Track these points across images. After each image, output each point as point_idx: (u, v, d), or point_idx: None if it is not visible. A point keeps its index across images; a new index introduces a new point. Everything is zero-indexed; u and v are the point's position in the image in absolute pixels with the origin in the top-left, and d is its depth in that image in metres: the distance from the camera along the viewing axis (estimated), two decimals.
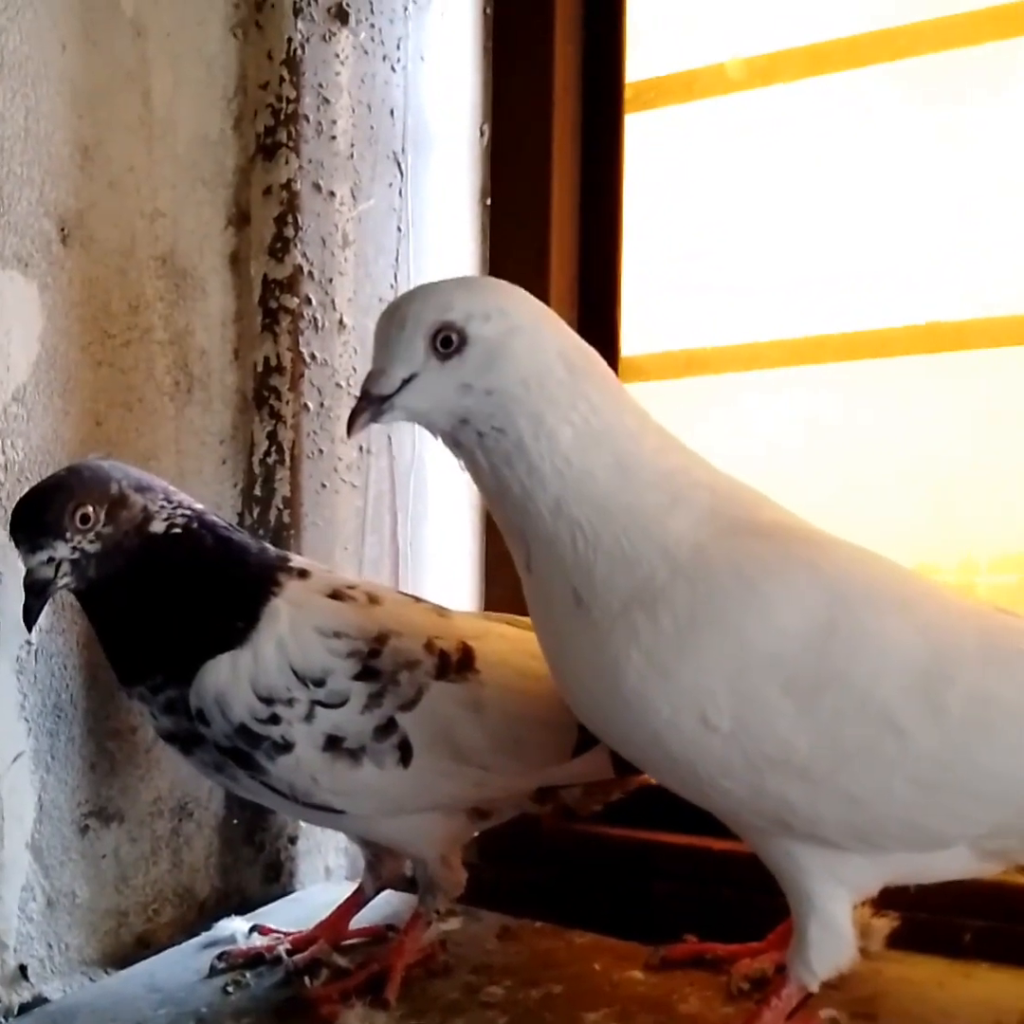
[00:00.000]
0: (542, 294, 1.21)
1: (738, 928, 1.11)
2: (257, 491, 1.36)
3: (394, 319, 0.90)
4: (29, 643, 1.11)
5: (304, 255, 1.35)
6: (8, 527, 1.02)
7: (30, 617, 1.00)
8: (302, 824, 1.36)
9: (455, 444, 0.91)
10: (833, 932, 0.91)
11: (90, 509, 1.01)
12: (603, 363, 0.93)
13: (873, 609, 0.88)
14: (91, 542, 1.01)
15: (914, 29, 1.28)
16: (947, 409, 1.33)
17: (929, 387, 1.33)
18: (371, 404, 0.90)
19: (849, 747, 0.85)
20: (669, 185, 1.45)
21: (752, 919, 1.07)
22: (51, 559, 1.00)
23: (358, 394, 0.91)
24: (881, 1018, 0.97)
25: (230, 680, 1.01)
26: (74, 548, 1.00)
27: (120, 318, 1.23)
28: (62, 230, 1.16)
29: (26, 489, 1.05)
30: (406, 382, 0.89)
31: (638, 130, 1.45)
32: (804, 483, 1.39)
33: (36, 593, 1.00)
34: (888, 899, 1.05)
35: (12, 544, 1.05)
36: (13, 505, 1.06)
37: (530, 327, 0.90)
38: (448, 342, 0.87)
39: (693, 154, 1.44)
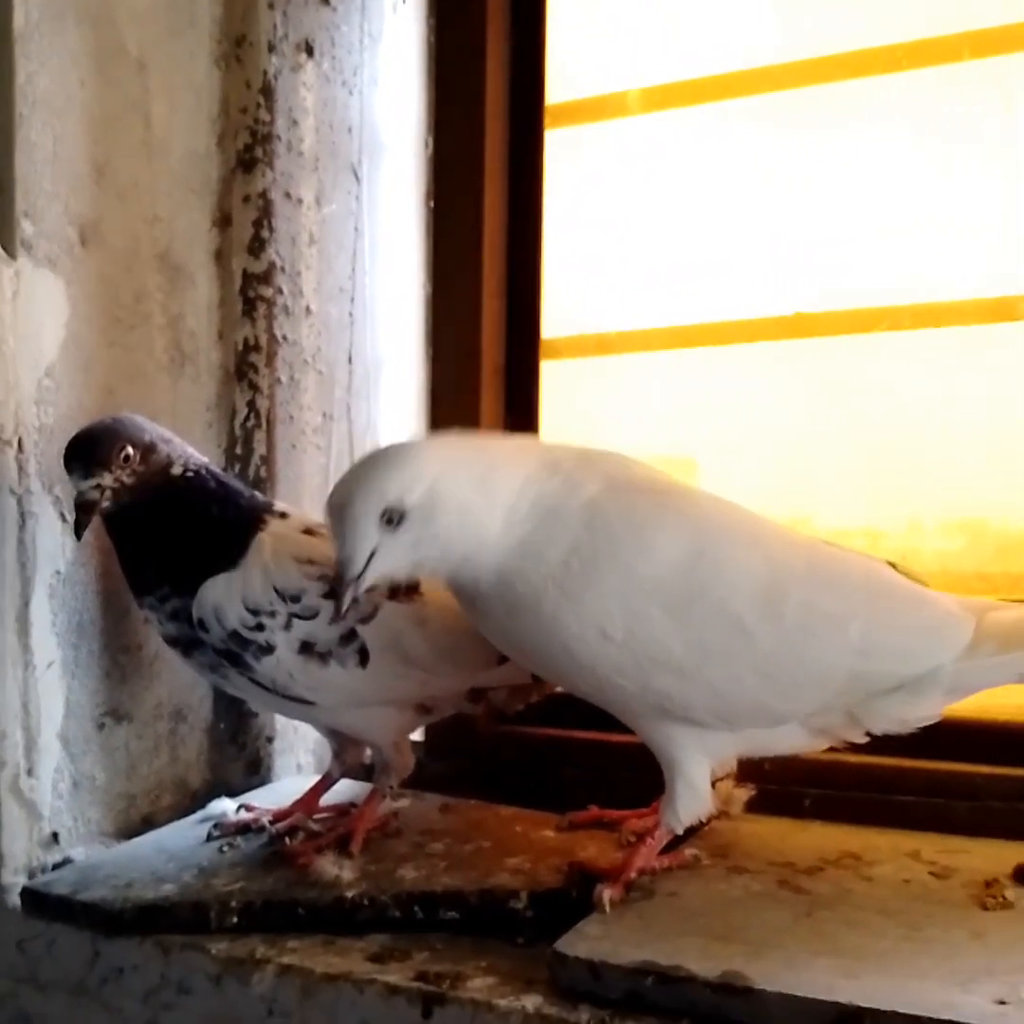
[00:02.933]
0: (475, 284, 1.42)
1: (630, 802, 1.29)
2: (238, 450, 1.49)
3: (346, 516, 1.04)
4: (59, 572, 1.28)
5: (277, 252, 1.47)
6: (63, 458, 1.18)
7: (79, 529, 1.18)
8: (278, 726, 1.53)
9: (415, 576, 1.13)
10: (694, 790, 1.12)
11: (130, 450, 1.18)
12: (517, 453, 1.09)
13: (728, 542, 1.08)
14: (128, 476, 1.19)
15: (782, 68, 1.45)
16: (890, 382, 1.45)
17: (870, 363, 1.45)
18: (350, 585, 1.05)
19: (711, 647, 1.05)
20: (583, 191, 1.58)
21: (640, 795, 1.24)
22: (98, 486, 1.17)
23: (338, 579, 1.05)
24: (732, 857, 1.18)
25: (225, 595, 1.19)
26: (116, 479, 1.18)
27: (127, 307, 1.36)
28: (82, 235, 1.30)
29: (57, 447, 1.22)
30: (370, 559, 1.04)
31: (557, 144, 1.56)
32: (746, 452, 1.53)
33: (85, 511, 1.17)
34: (747, 773, 1.27)
35: (45, 488, 1.25)
36: (48, 459, 1.25)
37: (444, 477, 1.04)
38: (392, 520, 1.03)
39: (604, 165, 1.57)
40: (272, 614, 1.21)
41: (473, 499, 1.05)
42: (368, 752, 1.37)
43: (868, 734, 1.14)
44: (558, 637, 1.06)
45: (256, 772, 1.54)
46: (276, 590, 1.21)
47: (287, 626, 1.21)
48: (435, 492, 1.04)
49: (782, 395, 1.51)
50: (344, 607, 1.06)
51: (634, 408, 1.57)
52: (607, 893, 1.09)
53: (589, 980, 0.98)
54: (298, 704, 1.26)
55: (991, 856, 1.18)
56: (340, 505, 1.05)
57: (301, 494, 1.53)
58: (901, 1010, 0.88)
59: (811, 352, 1.48)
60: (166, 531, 1.22)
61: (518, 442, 1.16)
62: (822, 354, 1.48)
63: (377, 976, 1.06)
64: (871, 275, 1.44)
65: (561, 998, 0.99)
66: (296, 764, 1.58)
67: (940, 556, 1.44)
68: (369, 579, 1.05)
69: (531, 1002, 1.00)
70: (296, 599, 1.21)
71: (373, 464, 1.07)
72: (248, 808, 1.38)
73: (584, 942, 1.02)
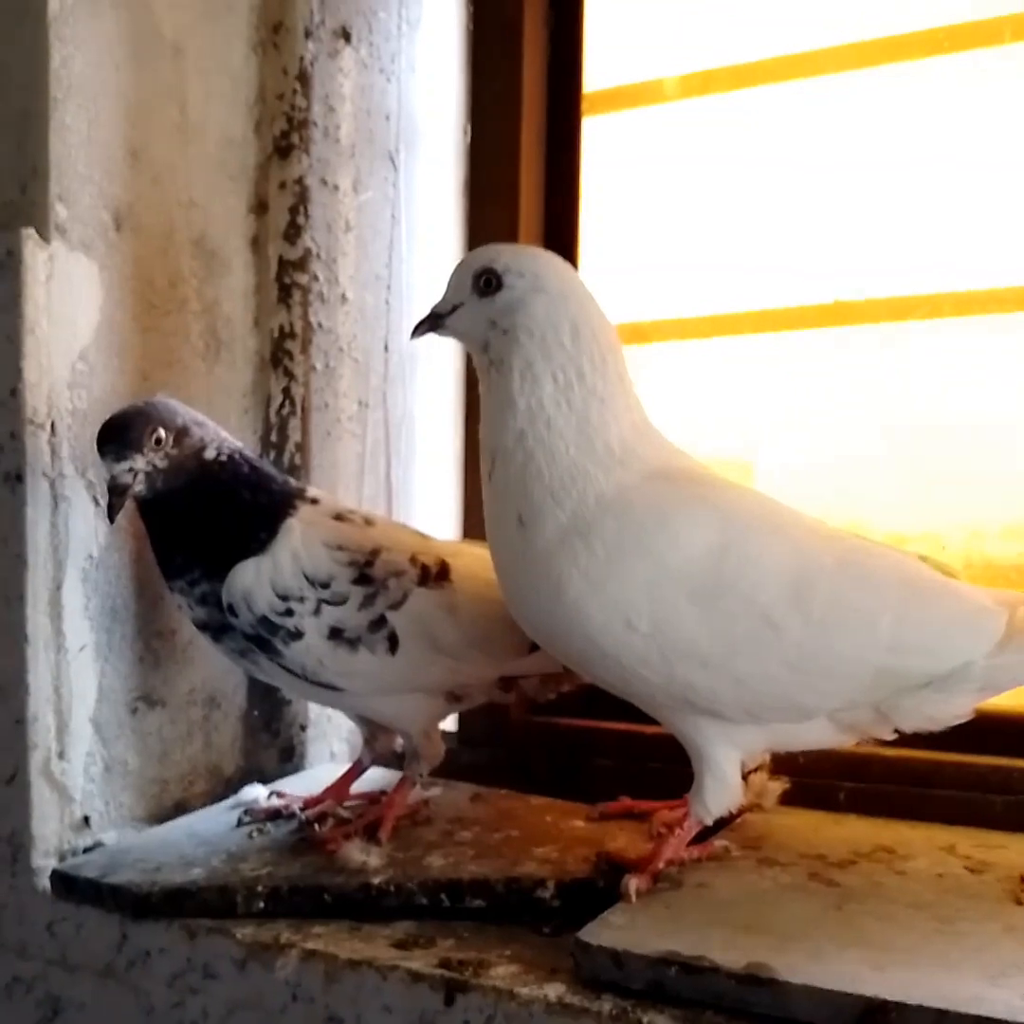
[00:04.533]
0: None
1: (660, 793, 1.28)
2: (273, 438, 1.50)
3: (460, 262, 1.10)
4: (91, 556, 1.28)
5: (313, 239, 1.47)
6: (96, 441, 1.18)
7: (112, 512, 1.18)
8: (311, 714, 1.53)
9: (479, 365, 1.10)
10: (723, 782, 1.10)
11: (163, 433, 1.18)
12: (615, 350, 1.08)
13: (756, 534, 1.07)
14: (161, 460, 1.18)
15: (821, 53, 1.43)
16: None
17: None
18: (431, 319, 1.11)
19: (738, 640, 1.03)
20: (621, 179, 1.56)
21: (671, 785, 1.22)
22: (131, 469, 1.17)
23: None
24: (763, 849, 1.17)
25: (255, 580, 1.19)
26: (148, 462, 1.18)
27: (162, 292, 1.36)
28: (116, 219, 1.30)
29: (91, 431, 1.22)
30: (456, 307, 1.09)
31: (594, 131, 1.56)
32: (792, 450, 1.50)
33: (118, 494, 1.17)
34: (781, 766, 1.26)
35: (78, 472, 1.26)
36: (81, 443, 1.25)
37: (554, 294, 1.06)
38: (488, 283, 1.07)
39: (642, 153, 1.55)
40: (301, 599, 1.20)
41: (554, 351, 1.06)
42: (399, 740, 1.37)
43: (897, 731, 1.12)
44: (582, 627, 1.05)
45: (289, 759, 1.54)
46: (305, 575, 1.21)
47: (316, 612, 1.20)
48: (536, 294, 1.06)
49: (827, 388, 1.50)
50: (418, 334, 1.13)
51: (670, 398, 1.55)
52: (634, 883, 1.07)
53: (612, 969, 0.97)
54: (327, 691, 1.26)
55: None
56: (463, 257, 1.14)
57: (336, 481, 1.53)
58: (929, 1004, 0.86)
59: (856, 341, 1.46)
60: (197, 515, 1.22)
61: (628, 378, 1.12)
62: (867, 343, 1.46)
63: (401, 962, 1.06)
64: (911, 261, 1.42)
65: (584, 987, 0.98)
66: (329, 752, 1.58)
67: (1003, 562, 1.40)
68: (446, 326, 1.10)
69: (553, 991, 0.99)
70: (325, 585, 1.21)
71: (520, 245, 1.19)
72: (279, 795, 1.39)
73: (608, 931, 1.00)
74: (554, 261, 1.11)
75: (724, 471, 1.24)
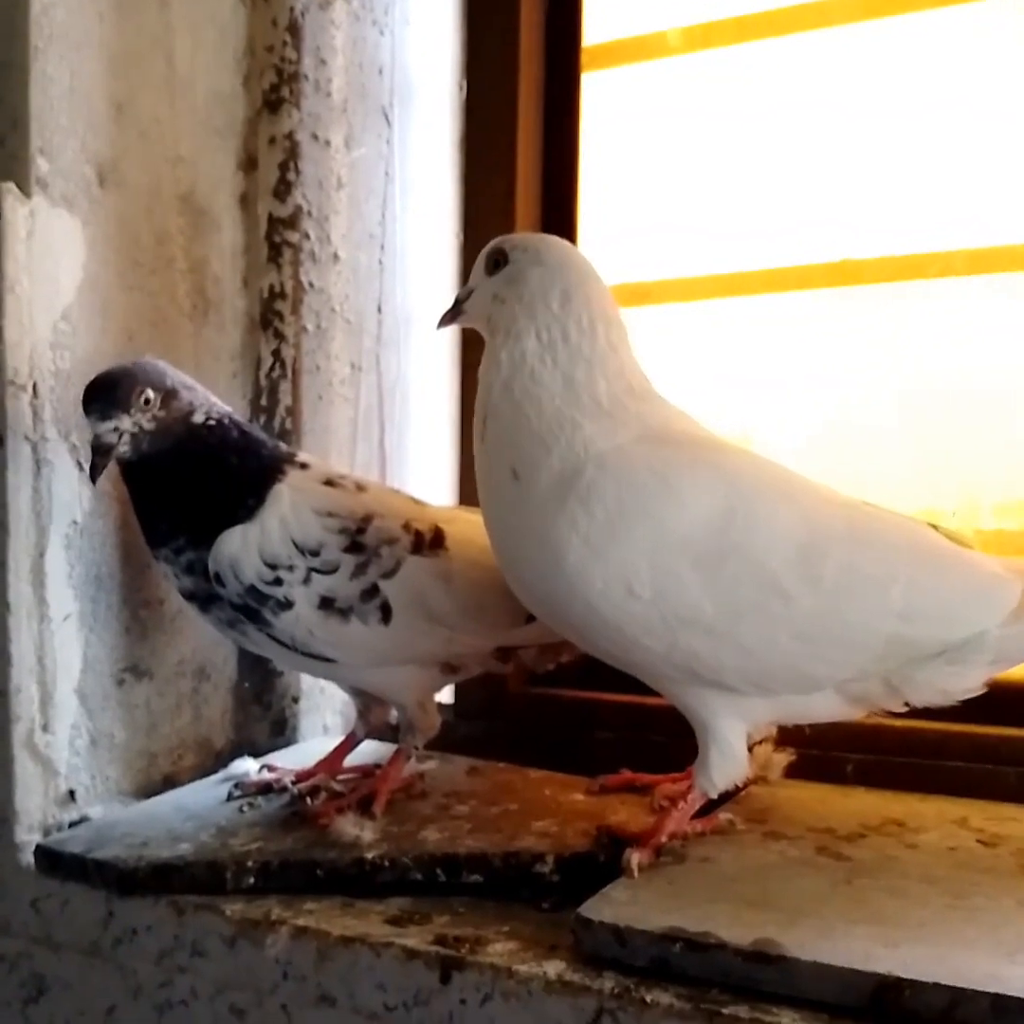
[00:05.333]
0: (509, 231, 1.37)
1: (663, 766, 1.25)
2: (263, 401, 1.46)
3: (481, 253, 1.12)
4: (75, 522, 1.25)
5: (304, 196, 1.44)
6: (81, 400, 1.15)
7: (95, 473, 1.14)
8: (304, 686, 1.50)
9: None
10: (729, 755, 1.08)
11: (150, 394, 1.15)
12: (610, 321, 1.07)
13: (762, 498, 1.04)
14: (148, 421, 1.15)
15: (827, 4, 1.39)
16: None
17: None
18: (453, 307, 1.15)
19: (744, 608, 1.01)
20: (621, 136, 1.53)
21: (674, 758, 1.20)
22: (117, 429, 1.14)
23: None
24: (769, 822, 1.13)
25: (241, 548, 1.16)
26: (135, 423, 1.15)
27: (148, 250, 1.33)
28: (100, 174, 1.26)
29: (74, 393, 1.19)
30: (471, 292, 1.12)
31: (594, 86, 1.52)
32: (792, 419, 1.47)
33: (102, 454, 1.14)
34: (787, 738, 1.23)
35: (61, 435, 1.22)
36: (64, 406, 1.22)
37: (551, 265, 1.07)
38: (496, 263, 1.10)
39: (643, 108, 1.51)
40: (290, 568, 1.17)
41: (541, 313, 1.07)
42: (393, 712, 1.34)
43: (907, 704, 1.09)
44: (582, 593, 1.02)
45: (282, 733, 1.51)
46: (294, 543, 1.18)
47: (306, 581, 1.17)
48: (535, 266, 1.08)
49: (833, 351, 1.46)
50: (441, 324, 1.18)
51: (672, 360, 1.51)
52: (635, 857, 1.04)
53: (614, 946, 0.94)
54: (319, 662, 1.23)
55: None
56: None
57: (329, 447, 1.50)
58: (943, 982, 0.83)
59: (859, 302, 1.43)
60: (183, 481, 1.19)
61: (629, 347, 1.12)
62: (875, 304, 1.42)
63: (395, 939, 1.02)
64: (921, 218, 1.38)
65: (584, 964, 0.95)
66: (322, 725, 1.55)
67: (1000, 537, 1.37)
68: (464, 311, 1.14)
69: (553, 968, 0.95)
70: (315, 553, 1.18)
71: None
72: (270, 768, 1.36)
73: (610, 907, 0.97)
74: (561, 242, 1.12)
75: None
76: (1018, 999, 0.81)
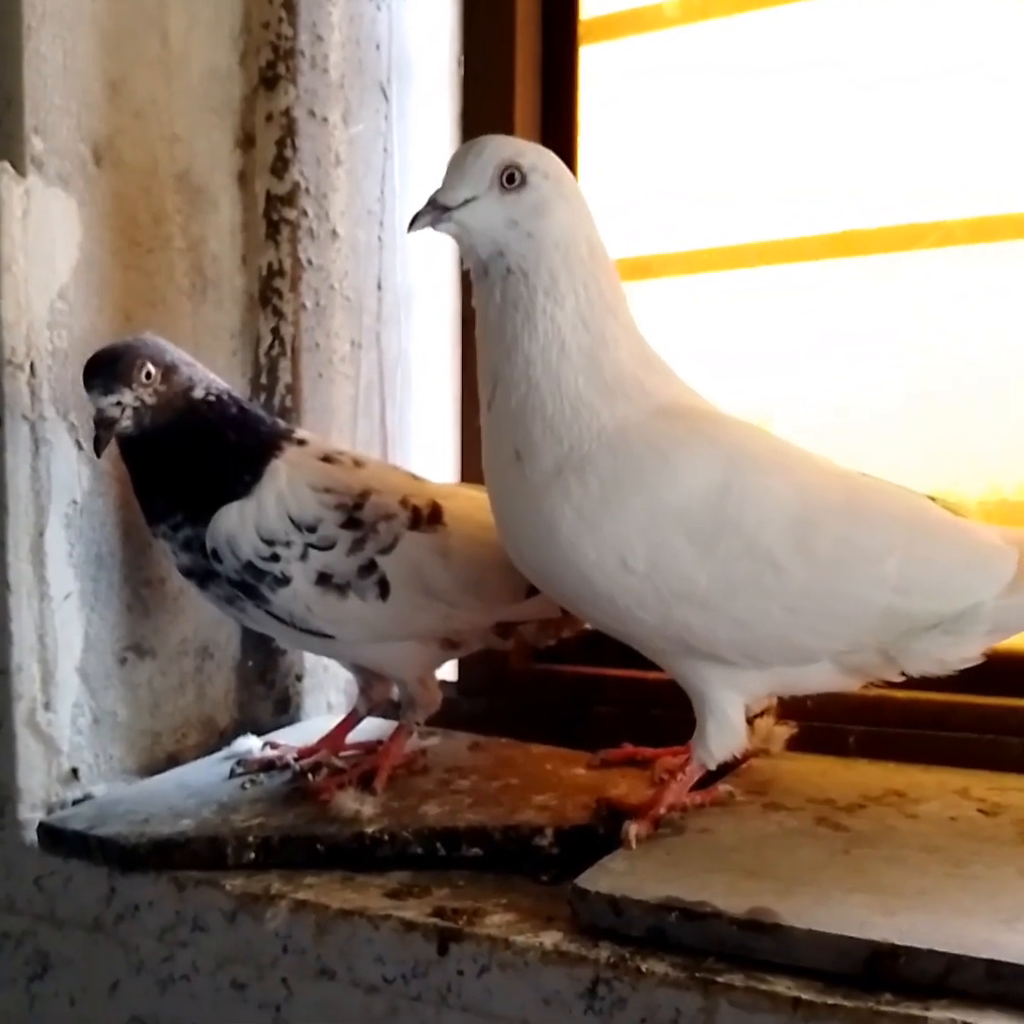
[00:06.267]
0: None
1: (664, 740, 1.25)
2: (263, 379, 1.46)
3: (473, 149, 0.99)
4: (75, 502, 1.25)
5: (301, 173, 1.43)
6: (83, 375, 1.15)
7: (99, 446, 1.14)
8: (307, 664, 1.50)
9: (484, 273, 1.01)
10: (726, 726, 1.07)
11: (151, 369, 1.15)
12: (614, 268, 1.04)
13: (758, 471, 1.02)
14: (150, 395, 1.15)
15: None
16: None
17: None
18: (434, 210, 0.99)
19: (738, 581, 1.00)
20: (620, 109, 1.51)
21: (675, 732, 1.18)
22: (119, 403, 1.14)
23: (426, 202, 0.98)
24: (769, 794, 1.13)
25: (238, 524, 1.16)
26: (136, 397, 1.14)
27: (145, 228, 1.32)
28: (95, 153, 1.26)
29: (72, 372, 1.20)
30: (467, 201, 0.98)
31: (592, 60, 1.50)
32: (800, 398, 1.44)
33: (105, 428, 1.14)
34: (788, 710, 1.23)
35: (60, 415, 1.22)
36: (62, 385, 1.22)
37: (573, 203, 1.01)
38: (512, 179, 0.98)
39: (642, 81, 1.49)
40: (287, 544, 1.17)
41: (576, 265, 1.00)
42: (394, 689, 1.34)
43: (904, 675, 1.08)
44: (576, 565, 1.01)
45: (285, 711, 1.52)
46: (291, 519, 1.18)
47: (303, 557, 1.17)
48: (561, 199, 0.99)
49: (836, 324, 1.44)
50: (417, 227, 1.00)
51: (674, 336, 1.50)
52: (634, 828, 1.04)
53: (610, 916, 0.94)
54: (318, 638, 1.22)
55: None
56: (474, 141, 1.01)
57: (329, 425, 1.49)
58: (939, 948, 0.82)
59: (866, 274, 1.41)
60: (181, 456, 1.19)
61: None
62: (878, 275, 1.40)
63: (393, 912, 1.02)
64: (922, 188, 1.36)
65: (581, 935, 0.95)
66: (326, 703, 1.55)
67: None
68: (454, 221, 0.99)
69: (550, 939, 0.95)
70: (312, 529, 1.18)
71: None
72: (273, 745, 1.36)
73: (607, 877, 0.97)
74: (566, 169, 1.04)
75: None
76: (1013, 965, 0.80)
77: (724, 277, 1.49)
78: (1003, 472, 1.35)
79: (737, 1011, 0.86)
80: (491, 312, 1.02)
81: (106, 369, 1.15)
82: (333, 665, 1.52)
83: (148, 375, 1.16)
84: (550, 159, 1.02)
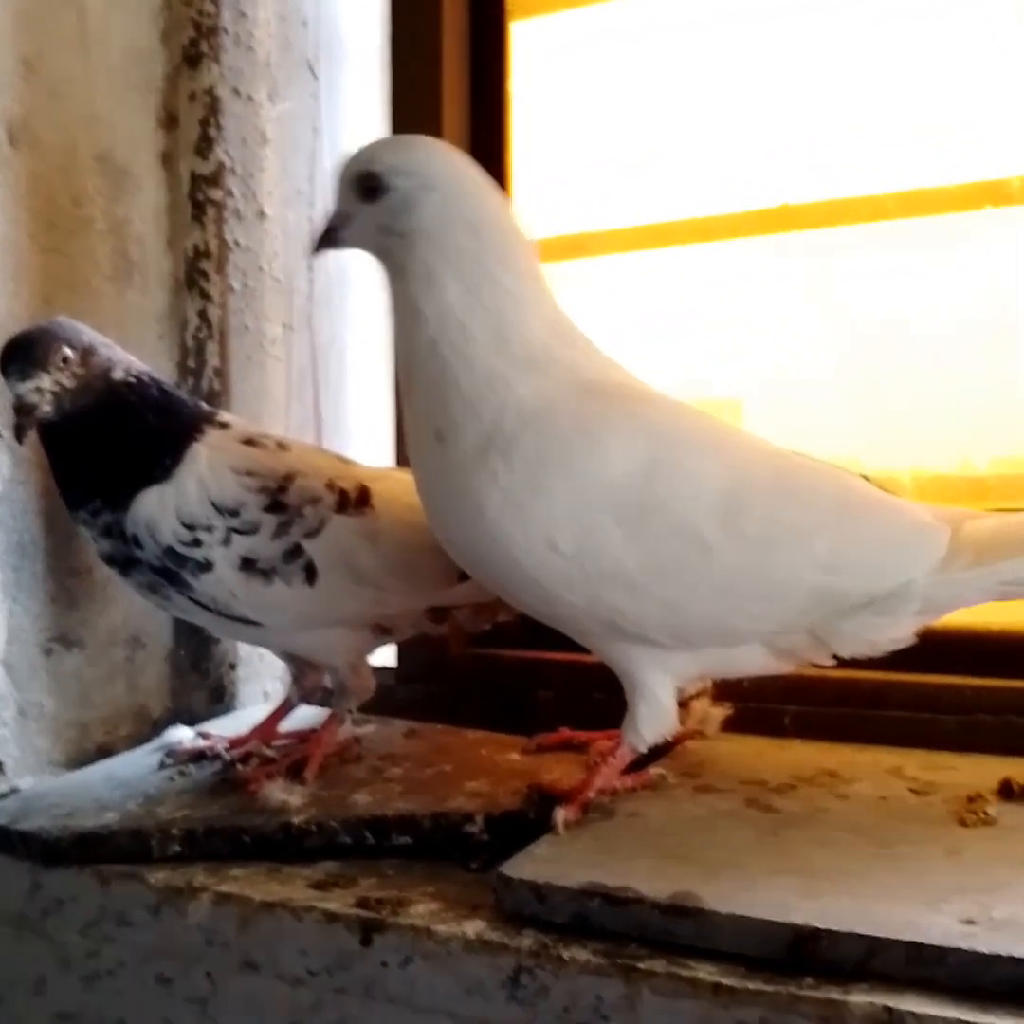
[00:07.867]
0: None
1: (604, 724, 1.21)
2: (191, 363, 1.43)
3: (340, 167, 1.03)
4: None
5: (227, 153, 1.42)
6: None
7: (20, 434, 1.13)
8: (241, 653, 1.48)
9: (385, 273, 1.04)
10: (657, 708, 1.06)
11: (69, 352, 1.13)
12: (523, 245, 1.03)
13: (686, 451, 1.01)
14: (68, 379, 1.13)
15: None
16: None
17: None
18: (327, 234, 1.05)
19: (666, 562, 0.99)
20: (552, 85, 1.50)
21: (616, 716, 1.13)
22: (38, 388, 1.12)
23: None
24: (702, 776, 1.12)
25: (158, 509, 1.14)
26: (55, 382, 1.12)
27: (65, 210, 1.30)
28: (10, 134, 1.24)
29: None
30: (348, 219, 1.03)
31: (523, 36, 1.49)
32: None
33: (25, 414, 1.12)
34: (724, 691, 1.21)
35: None
36: None
37: (445, 189, 1.00)
38: (369, 190, 1.00)
39: (573, 56, 1.48)
40: (209, 529, 1.15)
41: (453, 253, 1.00)
42: (327, 676, 1.31)
43: (835, 657, 1.07)
44: (503, 548, 0.99)
45: (220, 700, 1.50)
46: (212, 503, 1.16)
47: (226, 541, 1.15)
48: (425, 191, 1.00)
49: (771, 302, 1.44)
50: (318, 251, 1.07)
51: (612, 316, 1.48)
52: (562, 814, 1.02)
53: (534, 903, 0.92)
54: (246, 626, 1.21)
55: (978, 772, 1.10)
56: (341, 161, 1.05)
57: (261, 408, 1.48)
58: (860, 931, 0.81)
59: (805, 248, 1.40)
60: (101, 439, 1.16)
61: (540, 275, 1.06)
62: (818, 251, 1.40)
63: (316, 903, 1.00)
64: (858, 162, 1.35)
65: (504, 923, 0.93)
66: (262, 692, 1.54)
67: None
68: (342, 240, 1.05)
69: (473, 928, 0.93)
70: (234, 513, 1.16)
71: (398, 137, 1.14)
72: (204, 735, 1.34)
73: (532, 864, 0.95)
74: (440, 153, 1.05)
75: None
76: (933, 947, 0.79)
77: (659, 254, 1.48)
78: (960, 446, 1.35)
79: (659, 998, 0.84)
80: (394, 306, 1.04)
81: (23, 354, 1.13)
82: (268, 653, 1.49)
83: (65, 359, 1.14)
84: (411, 154, 1.03)
